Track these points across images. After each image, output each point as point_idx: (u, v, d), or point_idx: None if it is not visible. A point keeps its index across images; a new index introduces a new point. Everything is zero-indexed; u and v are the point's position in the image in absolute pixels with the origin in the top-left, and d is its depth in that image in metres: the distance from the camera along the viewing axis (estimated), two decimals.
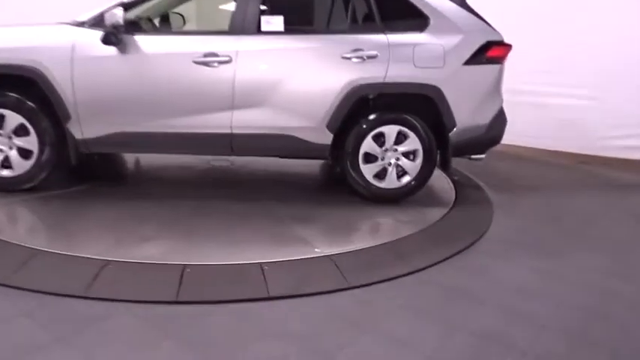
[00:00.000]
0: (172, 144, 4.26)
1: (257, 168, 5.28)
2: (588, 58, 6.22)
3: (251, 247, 3.49)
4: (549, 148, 6.62)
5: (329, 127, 4.27)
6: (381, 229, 4.14)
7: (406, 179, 4.45)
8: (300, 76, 4.21)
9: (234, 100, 4.16)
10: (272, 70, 4.20)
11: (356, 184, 4.45)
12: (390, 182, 4.44)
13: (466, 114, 4.41)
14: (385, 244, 3.72)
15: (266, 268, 3.19)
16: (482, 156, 4.68)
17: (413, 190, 4.49)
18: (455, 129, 4.37)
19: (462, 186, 5.15)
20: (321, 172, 5.52)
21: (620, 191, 5.53)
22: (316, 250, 3.50)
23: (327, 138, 4.30)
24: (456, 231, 4.07)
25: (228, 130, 4.22)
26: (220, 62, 4.11)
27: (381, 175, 4.45)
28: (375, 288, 3.13)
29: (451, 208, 4.51)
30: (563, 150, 6.57)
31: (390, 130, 4.34)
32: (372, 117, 4.34)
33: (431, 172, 4.48)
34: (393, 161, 4.39)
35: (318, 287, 3.06)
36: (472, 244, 3.86)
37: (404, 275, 3.28)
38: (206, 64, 4.10)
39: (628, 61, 6.11)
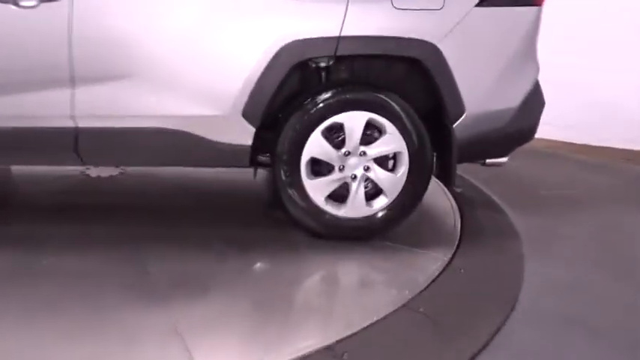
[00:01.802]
0: None
1: (164, 175, 3.49)
2: None
3: None
4: (584, 142, 4.89)
5: (247, 115, 2.48)
6: (334, 307, 2.36)
7: (381, 202, 2.66)
8: (191, 26, 2.41)
9: (73, 68, 2.34)
10: (140, 13, 2.39)
11: (297, 210, 2.65)
12: (355, 208, 2.64)
13: (481, 91, 2.63)
14: (341, 341, 1.99)
15: None
16: (504, 160, 2.92)
17: (392, 221, 2.71)
18: (462, 117, 2.60)
19: (470, 204, 3.37)
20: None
21: None
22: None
23: (244, 134, 2.51)
24: (466, 305, 2.32)
25: (68, 123, 2.42)
26: None
27: (338, 195, 2.66)
28: None
29: (456, 250, 2.75)
30: (603, 144, 4.85)
31: (354, 121, 2.54)
32: (322, 98, 2.54)
33: (422, 190, 2.69)
34: (359, 172, 2.60)
35: None
36: (495, 335, 2.12)
37: None
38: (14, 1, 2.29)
39: None
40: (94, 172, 3.45)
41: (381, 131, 2.61)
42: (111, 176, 3.44)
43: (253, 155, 2.62)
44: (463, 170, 3.76)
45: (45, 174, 3.33)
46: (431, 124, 2.69)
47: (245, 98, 2.44)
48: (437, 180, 2.96)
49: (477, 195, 3.57)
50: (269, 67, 2.42)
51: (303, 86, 2.72)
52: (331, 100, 2.53)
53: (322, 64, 2.63)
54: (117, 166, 3.43)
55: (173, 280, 2.32)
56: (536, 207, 3.48)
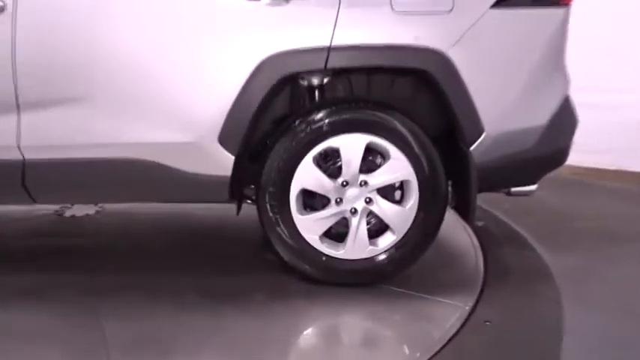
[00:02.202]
0: None
1: (148, 212, 3.11)
2: None
3: None
4: (614, 167, 4.43)
5: (224, 141, 2.09)
6: None
7: (387, 240, 2.24)
8: (152, 40, 2.05)
9: (17, 89, 2.01)
10: (93, 27, 2.04)
11: (287, 251, 2.24)
12: (356, 247, 2.22)
13: (501, 107, 2.22)
14: None
15: None
16: (533, 188, 2.49)
17: (401, 262, 2.27)
18: (481, 138, 2.19)
19: (494, 241, 2.93)
20: None
21: None
22: None
23: (222, 163, 2.11)
24: None
25: (14, 155, 2.08)
26: None
27: (336, 233, 2.25)
28: None
29: (479, 297, 2.29)
30: (635, 169, 4.38)
31: (351, 145, 2.15)
32: (313, 119, 2.16)
33: (436, 225, 2.26)
34: (359, 205, 2.18)
35: None
36: None
37: None
38: None
39: None
40: (69, 211, 3.10)
41: (384, 157, 2.21)
42: (87, 215, 3.07)
43: (237, 188, 2.25)
44: (484, 201, 3.34)
45: (14, 214, 2.99)
46: (444, 148, 2.30)
47: (221, 121, 2.06)
48: (454, 212, 2.54)
49: (502, 229, 3.11)
50: (248, 85, 2.05)
51: (293, 107, 2.37)
52: (324, 122, 2.13)
53: (315, 81, 2.27)
54: (94, 204, 3.07)
55: (130, 343, 1.92)
56: (568, 242, 3.01)
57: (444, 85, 2.13)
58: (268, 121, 2.34)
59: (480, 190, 2.31)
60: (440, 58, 2.09)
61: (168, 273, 2.41)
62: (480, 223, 3.14)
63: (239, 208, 2.30)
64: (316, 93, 2.30)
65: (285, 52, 2.05)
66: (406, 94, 2.34)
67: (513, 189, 2.47)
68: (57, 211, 3.07)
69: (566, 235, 3.12)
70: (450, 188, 2.31)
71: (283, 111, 2.36)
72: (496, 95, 2.20)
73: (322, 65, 2.09)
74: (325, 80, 2.30)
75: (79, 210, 3.10)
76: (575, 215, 3.46)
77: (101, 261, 2.56)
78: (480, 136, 2.20)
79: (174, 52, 2.04)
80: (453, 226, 2.81)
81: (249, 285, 2.32)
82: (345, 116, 2.15)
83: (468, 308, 2.17)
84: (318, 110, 2.17)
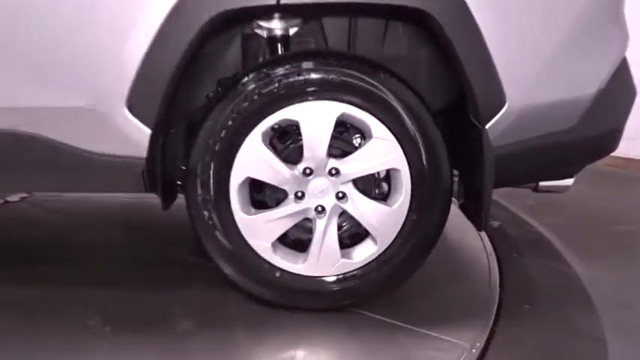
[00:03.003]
0: None
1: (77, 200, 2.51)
2: None
3: None
4: None
5: (135, 108, 1.47)
6: None
7: (366, 251, 1.62)
8: None
9: None
10: None
11: (227, 262, 1.61)
12: (323, 260, 1.60)
13: (532, 70, 1.56)
14: None
15: None
16: (569, 182, 1.85)
17: (386, 282, 1.65)
18: (501, 113, 1.54)
19: (513, 248, 2.28)
20: None
21: None
22: None
23: (133, 139, 1.49)
24: None
25: None
26: None
27: (295, 240, 1.66)
28: None
29: (492, 331, 1.64)
30: None
31: (316, 118, 1.51)
32: (264, 76, 1.52)
33: (435, 232, 1.62)
34: (328, 203, 1.57)
35: None
36: None
37: None
38: None
39: None
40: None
41: (364, 135, 1.60)
42: (6, 202, 2.49)
43: (162, 176, 1.64)
44: (501, 195, 2.70)
45: None
46: (450, 125, 1.67)
47: (128, 80, 1.45)
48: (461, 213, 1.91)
49: (523, 232, 2.46)
50: (164, 30, 1.43)
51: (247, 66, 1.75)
52: (275, 82, 1.51)
53: (275, 30, 1.65)
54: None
55: None
56: (607, 250, 2.36)
57: (453, 36, 1.47)
58: (210, 82, 1.73)
59: (498, 185, 1.67)
60: None
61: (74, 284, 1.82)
62: (495, 224, 2.50)
63: (165, 203, 1.69)
64: (279, 47, 1.69)
65: None
66: (401, 50, 1.71)
67: (542, 183, 1.84)
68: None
69: (603, 240, 2.47)
70: (455, 181, 1.69)
71: (234, 70, 1.76)
72: (525, 53, 1.54)
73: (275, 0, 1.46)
74: (292, 30, 1.68)
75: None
76: (614, 217, 2.78)
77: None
78: (499, 110, 1.55)
79: None
80: (459, 225, 2.18)
81: (177, 304, 1.72)
82: (307, 75, 1.51)
83: (475, 351, 1.55)
84: (270, 66, 1.54)
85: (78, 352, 1.51)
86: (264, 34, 1.69)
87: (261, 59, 1.76)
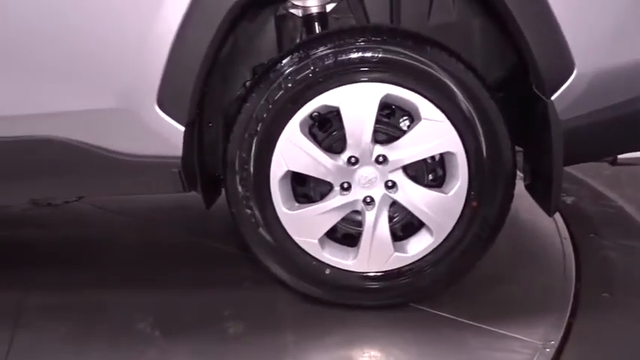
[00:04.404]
0: None
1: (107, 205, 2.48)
2: None
3: None
4: None
5: (166, 105, 1.38)
6: None
7: (421, 243, 1.48)
8: None
9: None
10: None
11: (274, 261, 1.51)
12: (375, 255, 1.47)
13: (605, 28, 1.36)
14: None
15: None
16: None
17: (445, 277, 1.50)
18: (570, 80, 1.34)
19: (590, 227, 2.06)
20: None
21: None
22: None
23: (166, 138, 1.42)
24: None
25: None
26: None
27: (344, 234, 1.54)
28: None
29: (568, 327, 1.47)
30: None
31: (358, 101, 1.37)
32: (297, 61, 1.39)
33: (498, 221, 1.45)
34: (377, 193, 1.44)
35: None
36: None
37: None
38: None
39: None
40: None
41: (412, 117, 1.45)
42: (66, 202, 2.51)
43: (202, 174, 1.57)
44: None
45: None
46: (510, 97, 1.49)
47: (157, 76, 1.36)
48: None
49: (601, 208, 2.23)
50: (190, 14, 1.33)
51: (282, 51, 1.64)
52: (310, 66, 1.38)
53: (312, 8, 1.52)
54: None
55: None
56: None
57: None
58: (245, 70, 1.63)
59: (569, 162, 1.49)
60: None
61: (112, 289, 1.78)
62: (568, 200, 2.28)
63: (207, 201, 1.61)
64: (316, 26, 1.56)
65: None
66: (449, 18, 1.54)
67: (622, 156, 1.64)
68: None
69: None
70: (515, 162, 1.51)
71: (270, 55, 1.65)
72: (594, 8, 1.34)
73: None
74: (329, 6, 1.55)
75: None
76: None
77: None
78: (567, 78, 1.36)
79: None
80: (525, 203, 1.97)
81: (227, 306, 1.65)
82: (344, 56, 1.36)
83: (549, 350, 1.39)
84: (304, 48, 1.41)
85: (127, 356, 1.49)
86: (299, 13, 1.56)
87: (298, 41, 1.64)
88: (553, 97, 1.37)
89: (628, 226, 2.08)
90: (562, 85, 1.36)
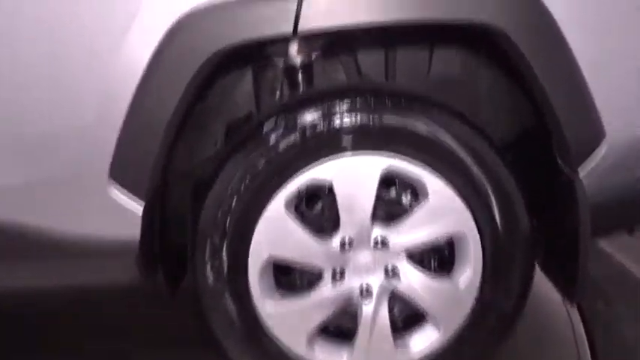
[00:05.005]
0: None
1: None
2: None
3: None
4: None
5: (120, 176, 1.13)
6: None
7: (425, 339, 1.24)
8: None
9: None
10: None
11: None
12: (372, 353, 1.23)
13: (635, 93, 1.22)
14: None
15: None
16: None
17: None
18: (600, 151, 1.15)
19: (602, 301, 1.88)
20: None
21: None
22: None
23: (121, 216, 1.17)
24: None
25: None
26: None
27: (336, 328, 1.29)
28: None
29: None
30: None
31: (355, 176, 1.15)
32: (281, 127, 1.16)
33: (517, 308, 1.24)
34: (375, 282, 1.20)
35: None
36: None
37: None
38: None
39: None
40: None
41: (416, 192, 1.24)
42: None
43: (166, 258, 1.31)
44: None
45: None
46: (519, 159, 1.30)
47: (110, 142, 1.12)
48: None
49: (609, 271, 2.02)
50: (154, 69, 1.08)
51: (260, 104, 1.41)
52: (300, 133, 1.16)
53: (294, 58, 1.30)
54: None
55: None
56: None
57: (532, 57, 1.10)
58: (218, 126, 1.40)
59: (597, 234, 1.30)
60: (526, 5, 1.08)
61: None
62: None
63: (169, 290, 1.34)
64: (299, 78, 1.34)
65: (215, 8, 1.06)
66: (451, 72, 1.34)
67: None
68: None
69: None
70: (536, 240, 1.31)
71: (247, 108, 1.42)
72: (628, 72, 1.17)
73: (290, 28, 1.10)
74: (314, 56, 1.34)
75: None
76: None
77: None
78: (596, 147, 1.18)
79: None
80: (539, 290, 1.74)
81: None
82: (338, 121, 1.15)
83: None
84: (290, 110, 1.19)
85: None
86: (280, 62, 1.35)
87: (278, 94, 1.42)
88: (581, 172, 1.18)
89: None
90: (590, 156, 1.18)
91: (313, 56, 1.34)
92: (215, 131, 1.41)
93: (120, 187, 1.14)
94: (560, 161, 1.20)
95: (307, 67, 1.34)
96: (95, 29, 1.05)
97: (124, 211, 1.15)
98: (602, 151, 1.17)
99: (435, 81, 1.37)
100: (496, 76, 1.34)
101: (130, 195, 1.15)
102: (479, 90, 1.38)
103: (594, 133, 1.16)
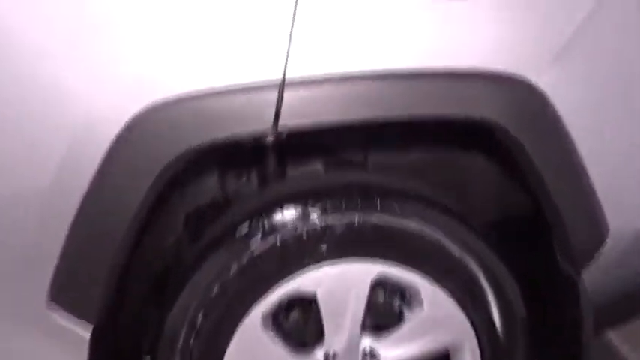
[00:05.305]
0: None
1: None
2: None
3: None
4: None
5: (62, 298, 0.93)
6: None
7: None
8: None
9: None
10: None
11: None
12: None
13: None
14: None
15: None
16: None
17: None
18: (604, 248, 1.06)
19: None
20: None
21: None
22: None
23: (65, 342, 0.96)
24: None
25: None
26: None
27: None
28: None
29: None
30: None
31: (343, 286, 1.00)
32: (257, 232, 0.99)
33: None
34: None
35: None
36: None
37: None
38: None
39: None
40: None
41: (408, 299, 1.10)
42: None
43: None
44: None
45: None
46: (519, 256, 1.19)
47: (52, 258, 0.92)
48: None
49: None
50: (105, 172, 0.91)
51: (226, 191, 1.25)
52: (279, 238, 1.00)
53: (262, 138, 1.15)
54: None
55: None
56: None
57: (533, 151, 1.01)
58: (178, 216, 1.23)
59: (599, 330, 1.21)
60: (526, 97, 0.99)
61: None
62: None
63: None
64: (270, 161, 1.19)
65: (182, 99, 0.92)
66: (449, 176, 1.23)
67: None
68: None
69: None
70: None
71: (211, 196, 1.26)
72: (632, 164, 1.09)
73: (269, 125, 0.96)
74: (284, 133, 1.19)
75: None
76: None
77: None
78: (600, 244, 1.08)
79: None
80: None
81: None
82: (320, 223, 0.99)
83: None
84: (267, 211, 1.03)
85: None
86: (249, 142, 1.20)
87: (244, 179, 1.26)
88: (584, 270, 1.08)
89: None
90: (594, 255, 1.08)
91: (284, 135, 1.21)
92: (173, 221, 1.24)
93: (60, 307, 0.96)
94: (561, 260, 1.10)
95: (279, 146, 1.20)
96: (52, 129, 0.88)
97: (67, 340, 0.96)
98: (607, 246, 1.08)
99: (415, 161, 1.25)
100: (498, 176, 1.22)
101: (73, 321, 0.96)
102: (479, 190, 1.27)
103: (597, 229, 1.07)
